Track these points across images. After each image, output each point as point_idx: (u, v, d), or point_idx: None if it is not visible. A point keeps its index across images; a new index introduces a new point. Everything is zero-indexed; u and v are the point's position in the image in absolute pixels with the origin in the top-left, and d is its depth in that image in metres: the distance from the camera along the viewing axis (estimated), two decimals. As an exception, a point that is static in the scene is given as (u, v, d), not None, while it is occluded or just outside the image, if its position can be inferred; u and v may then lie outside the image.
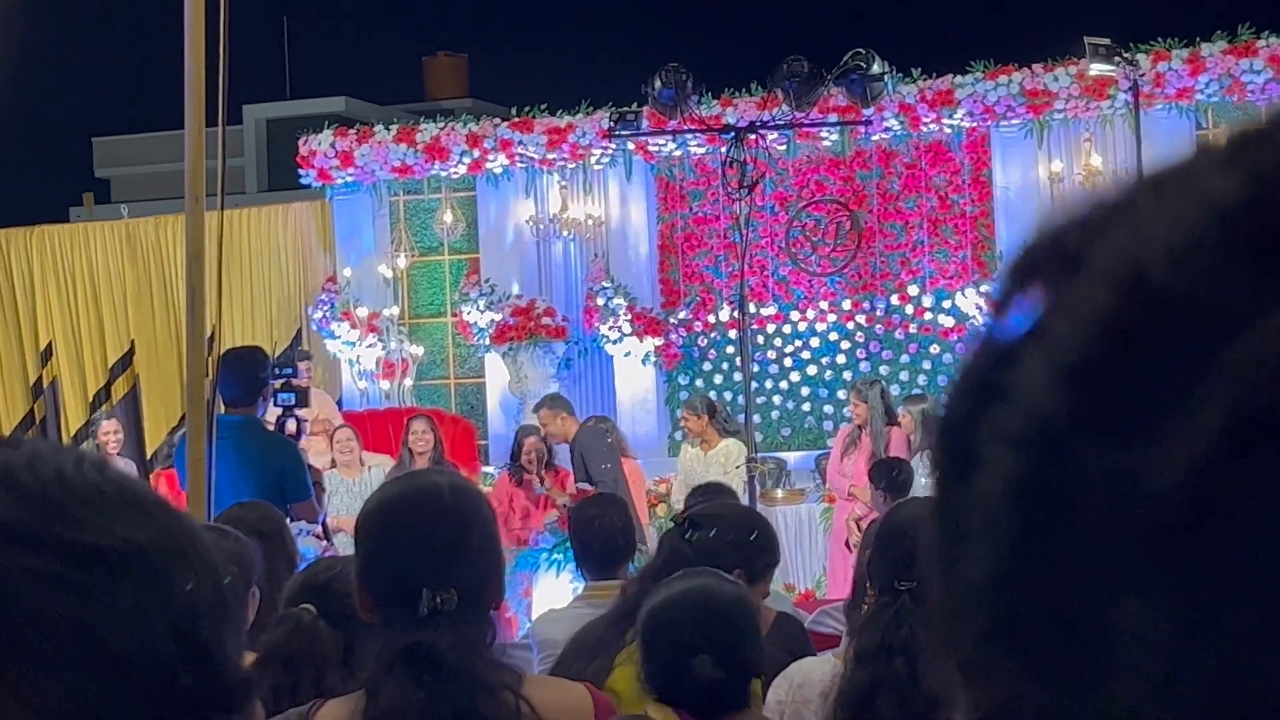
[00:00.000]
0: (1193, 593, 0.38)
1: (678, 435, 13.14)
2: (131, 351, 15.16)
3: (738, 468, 10.33)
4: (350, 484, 10.38)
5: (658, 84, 10.16)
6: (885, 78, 10.36)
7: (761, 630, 3.68)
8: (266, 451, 7.16)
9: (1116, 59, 10.57)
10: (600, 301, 13.49)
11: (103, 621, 0.83)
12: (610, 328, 13.38)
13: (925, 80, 12.89)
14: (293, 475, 7.19)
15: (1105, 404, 0.39)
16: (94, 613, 0.83)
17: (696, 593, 3.16)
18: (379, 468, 10.89)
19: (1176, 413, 0.38)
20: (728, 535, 3.92)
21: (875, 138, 13.19)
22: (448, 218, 14.32)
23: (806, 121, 11.42)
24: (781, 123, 11.26)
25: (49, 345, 15.43)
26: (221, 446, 6.86)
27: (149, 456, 14.35)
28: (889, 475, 8.60)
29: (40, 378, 15.45)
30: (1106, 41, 10.36)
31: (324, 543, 6.61)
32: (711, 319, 13.80)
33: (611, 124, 11.88)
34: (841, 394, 13.45)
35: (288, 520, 6.54)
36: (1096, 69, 10.97)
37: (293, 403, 7.96)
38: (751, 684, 3.20)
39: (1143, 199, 0.41)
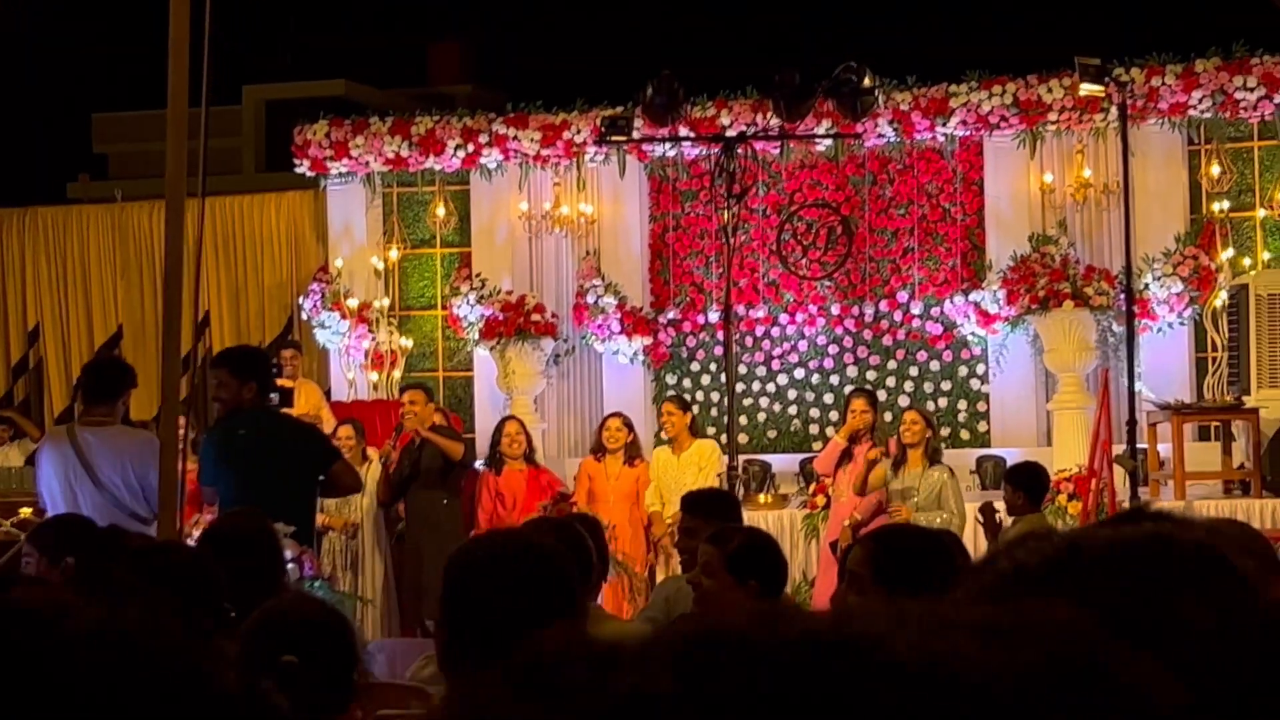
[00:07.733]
0: None
1: (663, 435, 13.15)
2: (119, 335, 15.17)
3: (719, 475, 10.31)
4: None
5: (650, 91, 10.17)
6: (876, 91, 10.36)
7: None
8: (297, 433, 7.45)
9: (1106, 79, 10.60)
10: (590, 299, 13.51)
11: None
12: (599, 325, 13.40)
13: (920, 89, 12.89)
14: (324, 443, 7.55)
15: None
16: None
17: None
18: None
19: None
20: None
21: (868, 144, 13.20)
22: (440, 211, 14.33)
23: (798, 133, 11.43)
24: (772, 133, 11.26)
25: (36, 326, 15.44)
26: (250, 438, 6.95)
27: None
28: (1032, 476, 8.43)
29: (26, 357, 15.46)
30: (1097, 61, 10.39)
31: (301, 547, 6.59)
32: (701, 319, 13.81)
33: (603, 128, 11.87)
34: (829, 398, 13.48)
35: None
36: (1086, 89, 11.00)
37: (276, 402, 8.01)
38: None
39: None
